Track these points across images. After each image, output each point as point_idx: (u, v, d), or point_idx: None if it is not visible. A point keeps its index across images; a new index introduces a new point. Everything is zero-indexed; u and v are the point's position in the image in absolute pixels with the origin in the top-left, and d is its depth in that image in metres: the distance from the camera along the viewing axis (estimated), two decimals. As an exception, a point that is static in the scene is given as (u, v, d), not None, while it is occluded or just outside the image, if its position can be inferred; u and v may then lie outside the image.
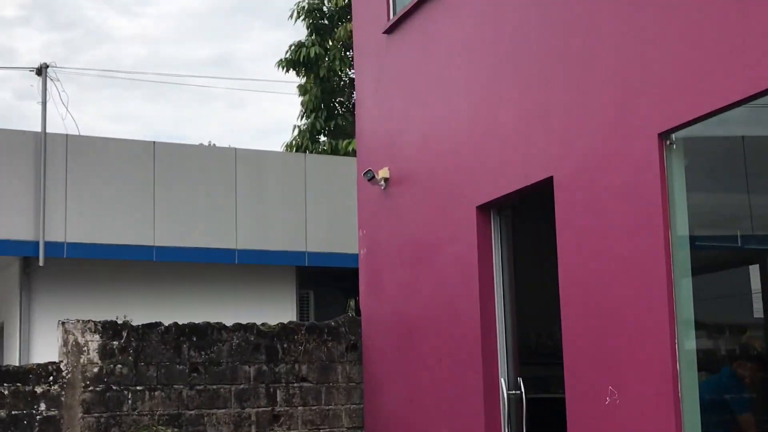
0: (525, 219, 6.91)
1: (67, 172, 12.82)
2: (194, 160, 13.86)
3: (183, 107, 42.22)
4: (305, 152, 18.46)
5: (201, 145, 17.07)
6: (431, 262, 7.52)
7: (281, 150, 20.22)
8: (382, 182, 8.31)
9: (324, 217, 14.16)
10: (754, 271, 5.53)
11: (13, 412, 7.25)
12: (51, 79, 14.09)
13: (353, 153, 15.26)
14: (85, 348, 7.57)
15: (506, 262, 6.85)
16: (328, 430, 8.19)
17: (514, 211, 6.90)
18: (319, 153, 19.28)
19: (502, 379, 6.59)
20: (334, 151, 19.13)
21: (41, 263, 12.64)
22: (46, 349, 11.33)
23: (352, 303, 9.37)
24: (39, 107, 13.66)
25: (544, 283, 6.30)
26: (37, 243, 12.56)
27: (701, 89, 4.73)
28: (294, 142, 20.47)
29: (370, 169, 8.43)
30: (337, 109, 20.39)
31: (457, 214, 7.13)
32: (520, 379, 6.53)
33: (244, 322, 8.20)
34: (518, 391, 6.48)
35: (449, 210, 7.29)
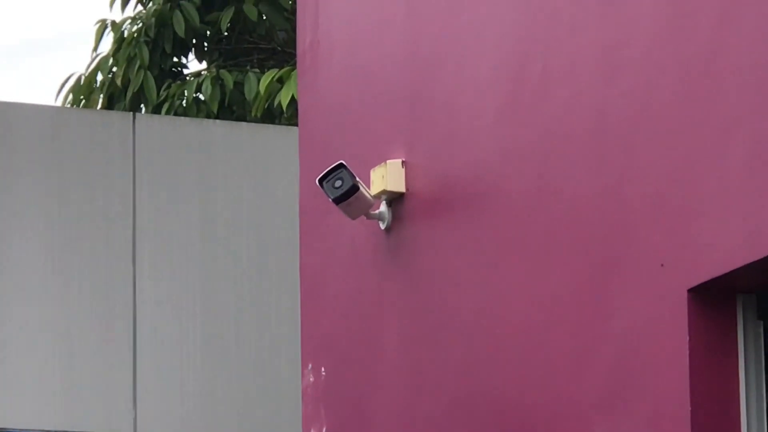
0: None
1: None
2: None
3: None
4: (131, 106, 12.70)
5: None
6: None
7: (56, 101, 12.62)
8: (383, 209, 5.47)
9: (179, 333, 9.36)
10: None
11: None
12: None
13: (289, 113, 11.34)
14: None
15: None
16: None
17: None
18: (178, 110, 12.45)
19: None
20: (229, 102, 12.54)
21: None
22: None
23: None
24: None
25: None
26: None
27: None
28: (97, 75, 12.89)
29: (342, 165, 5.38)
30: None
31: (630, 313, 4.59)
32: None
33: None
34: None
35: (603, 302, 4.67)
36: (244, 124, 11.59)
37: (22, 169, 9.41)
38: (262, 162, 10.08)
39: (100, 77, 13.02)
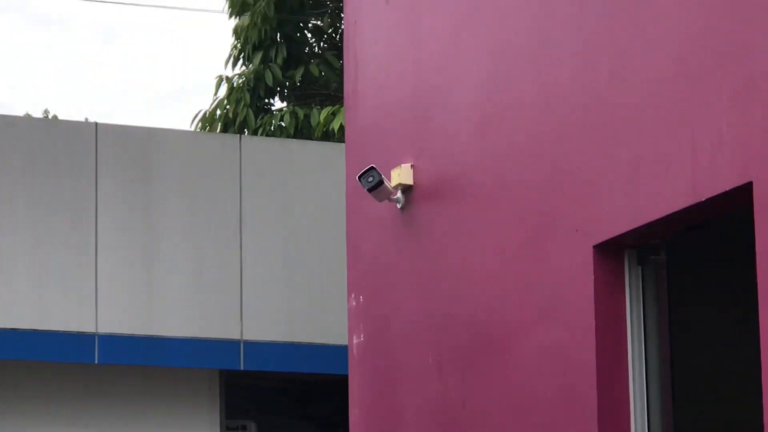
0: (689, 263, 5.09)
1: None
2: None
3: None
4: (238, 131, 11.46)
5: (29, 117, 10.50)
6: (506, 356, 4.88)
7: (191, 128, 11.99)
8: (399, 195, 5.25)
9: (272, 273, 8.82)
10: None
11: None
12: None
13: (339, 135, 10.25)
14: None
15: (655, 340, 4.46)
16: None
17: (671, 254, 4.35)
18: (268, 133, 11.42)
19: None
20: (300, 128, 11.63)
21: None
22: None
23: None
24: None
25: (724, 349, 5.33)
26: None
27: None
28: (217, 111, 12.05)
29: (373, 167, 5.19)
30: (301, 44, 12.19)
31: (557, 261, 4.63)
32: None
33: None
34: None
35: (540, 254, 4.71)
36: (301, 143, 10.97)
37: (165, 187, 8.68)
38: (314, 169, 9.64)
39: (218, 112, 13.00)
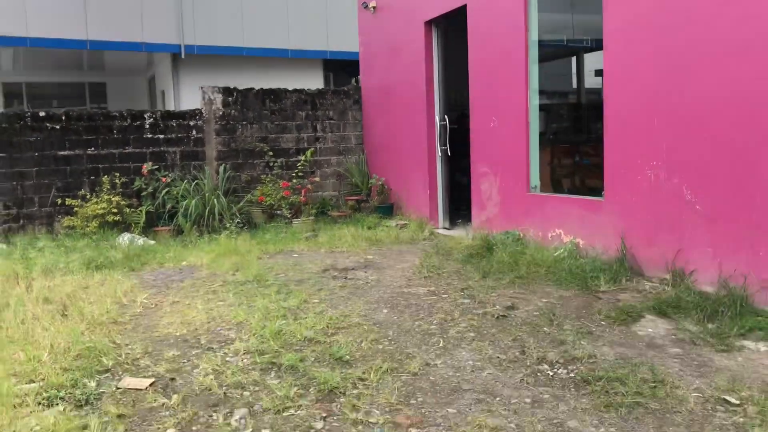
0: (451, 30, 6.22)
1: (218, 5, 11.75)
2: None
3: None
4: None
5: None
6: (400, 53, 6.68)
7: None
8: (372, 9, 7.28)
9: (340, 31, 12.57)
10: (573, 60, 5.55)
11: (178, 135, 6.90)
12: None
13: None
14: (214, 101, 7.01)
15: (440, 53, 6.17)
16: (344, 144, 7.59)
17: (445, 25, 6.16)
18: None
19: (437, 116, 6.17)
20: None
21: (182, 56, 11.85)
22: (187, 104, 10.93)
23: (354, 80, 7.58)
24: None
25: (460, 65, 5.75)
26: (179, 45, 11.70)
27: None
28: None
29: (365, 2, 7.38)
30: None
31: (414, 26, 6.37)
32: (446, 116, 6.15)
33: (298, 88, 7.61)
34: (444, 122, 6.13)
35: (409, 24, 6.46)
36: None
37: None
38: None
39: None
